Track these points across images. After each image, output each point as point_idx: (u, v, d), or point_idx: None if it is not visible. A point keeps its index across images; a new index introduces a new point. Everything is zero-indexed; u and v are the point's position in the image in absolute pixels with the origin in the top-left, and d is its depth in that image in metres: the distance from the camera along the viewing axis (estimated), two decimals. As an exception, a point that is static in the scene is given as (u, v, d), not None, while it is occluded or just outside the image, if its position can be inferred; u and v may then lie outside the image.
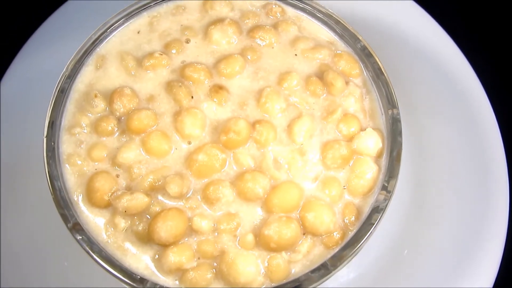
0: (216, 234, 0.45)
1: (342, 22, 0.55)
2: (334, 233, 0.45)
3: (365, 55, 0.53)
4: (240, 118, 0.48)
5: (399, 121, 0.49)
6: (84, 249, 0.44)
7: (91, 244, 0.44)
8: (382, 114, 0.51)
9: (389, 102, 0.50)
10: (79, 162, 0.48)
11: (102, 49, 0.53)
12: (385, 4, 0.70)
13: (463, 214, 0.60)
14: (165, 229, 0.43)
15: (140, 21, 0.55)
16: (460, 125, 0.66)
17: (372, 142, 0.48)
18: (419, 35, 0.71)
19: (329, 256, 0.44)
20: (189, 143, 0.48)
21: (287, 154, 0.47)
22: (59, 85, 0.50)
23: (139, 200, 0.45)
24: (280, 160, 0.47)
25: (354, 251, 0.44)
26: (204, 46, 0.53)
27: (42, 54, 0.66)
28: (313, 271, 0.43)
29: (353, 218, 0.46)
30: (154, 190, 0.46)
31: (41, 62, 0.65)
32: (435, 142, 0.67)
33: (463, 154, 0.65)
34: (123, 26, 0.54)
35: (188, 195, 0.46)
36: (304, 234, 0.45)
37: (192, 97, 0.50)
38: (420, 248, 0.60)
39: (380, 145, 0.48)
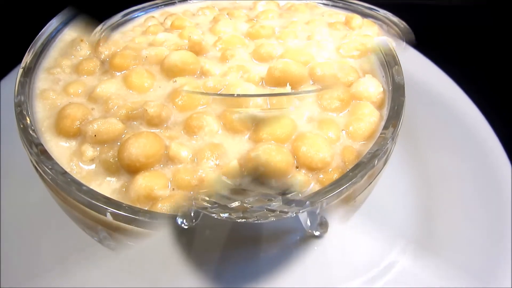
0: (196, 160, 0.39)
1: None
2: (330, 170, 0.39)
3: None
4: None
5: (401, 75, 0.46)
6: (50, 177, 0.37)
7: (59, 171, 0.37)
8: (383, 77, 0.48)
9: (389, 61, 0.48)
10: (53, 97, 0.44)
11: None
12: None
13: (474, 243, 0.55)
14: (137, 145, 0.38)
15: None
16: (464, 153, 0.64)
17: (373, 86, 0.44)
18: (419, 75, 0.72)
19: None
20: (175, 81, 0.45)
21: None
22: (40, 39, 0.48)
23: (112, 124, 0.40)
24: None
25: (345, 188, 0.37)
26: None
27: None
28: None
29: (352, 159, 0.40)
30: (131, 119, 0.41)
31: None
32: (440, 172, 0.64)
33: (469, 181, 0.61)
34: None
35: (167, 124, 0.41)
36: (297, 167, 0.39)
37: None
38: (432, 278, 0.53)
39: (381, 89, 0.45)
